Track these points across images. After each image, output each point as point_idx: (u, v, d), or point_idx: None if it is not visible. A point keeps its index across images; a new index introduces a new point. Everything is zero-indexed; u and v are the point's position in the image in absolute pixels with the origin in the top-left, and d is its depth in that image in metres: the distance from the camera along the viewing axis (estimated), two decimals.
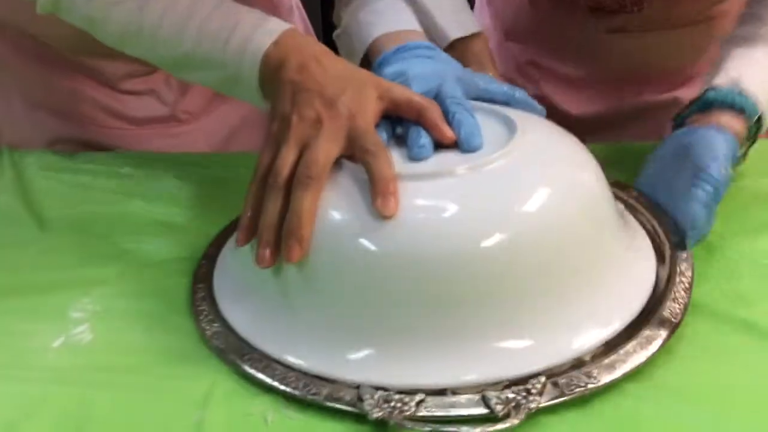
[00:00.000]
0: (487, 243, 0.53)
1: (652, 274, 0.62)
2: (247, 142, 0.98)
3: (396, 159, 0.58)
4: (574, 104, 1.00)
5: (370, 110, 0.59)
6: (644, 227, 0.67)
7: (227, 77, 0.65)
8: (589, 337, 0.55)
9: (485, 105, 0.65)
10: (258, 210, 0.58)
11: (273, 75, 0.62)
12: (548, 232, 0.55)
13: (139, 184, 0.82)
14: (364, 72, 0.63)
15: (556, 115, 0.96)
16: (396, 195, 0.54)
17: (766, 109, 0.70)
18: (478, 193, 0.55)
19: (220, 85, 0.67)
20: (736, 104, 0.69)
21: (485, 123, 0.61)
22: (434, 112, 0.61)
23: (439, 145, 0.60)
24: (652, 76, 0.97)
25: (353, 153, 0.58)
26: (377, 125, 0.60)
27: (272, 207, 0.57)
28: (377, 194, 0.54)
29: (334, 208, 0.56)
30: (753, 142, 0.73)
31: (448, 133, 0.60)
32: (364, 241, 0.54)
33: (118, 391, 0.55)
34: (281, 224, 0.56)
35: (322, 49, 0.63)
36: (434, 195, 0.55)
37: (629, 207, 0.68)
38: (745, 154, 0.73)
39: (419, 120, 0.61)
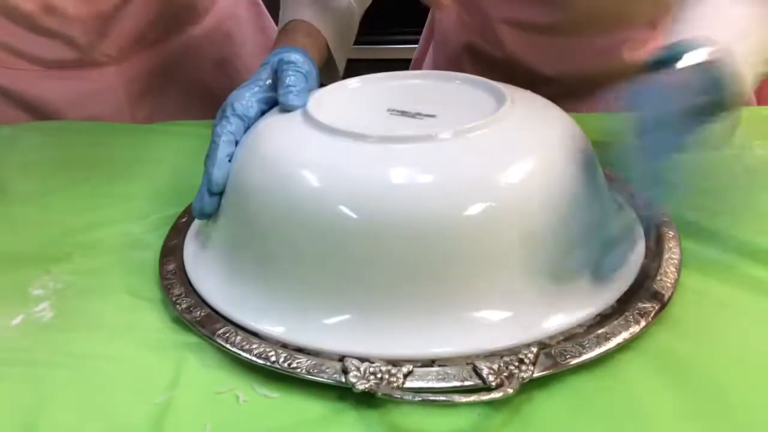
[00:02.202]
0: (470, 211, 0.51)
1: (641, 249, 0.61)
2: (175, 92, 0.94)
3: (380, 122, 0.56)
4: (543, 60, 0.93)
5: None
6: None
7: None
8: (578, 312, 0.53)
9: (476, 78, 0.63)
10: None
11: None
12: (533, 201, 0.53)
13: (101, 155, 0.79)
14: None
15: (528, 75, 0.91)
16: None
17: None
18: (462, 160, 0.53)
19: None
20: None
21: (474, 93, 0.59)
22: None
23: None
24: (624, 23, 0.90)
25: None
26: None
27: None
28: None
29: (312, 173, 0.53)
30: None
31: None
32: (344, 207, 0.52)
33: (78, 372, 0.52)
34: None
35: None
36: (416, 159, 0.53)
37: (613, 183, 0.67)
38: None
39: None
